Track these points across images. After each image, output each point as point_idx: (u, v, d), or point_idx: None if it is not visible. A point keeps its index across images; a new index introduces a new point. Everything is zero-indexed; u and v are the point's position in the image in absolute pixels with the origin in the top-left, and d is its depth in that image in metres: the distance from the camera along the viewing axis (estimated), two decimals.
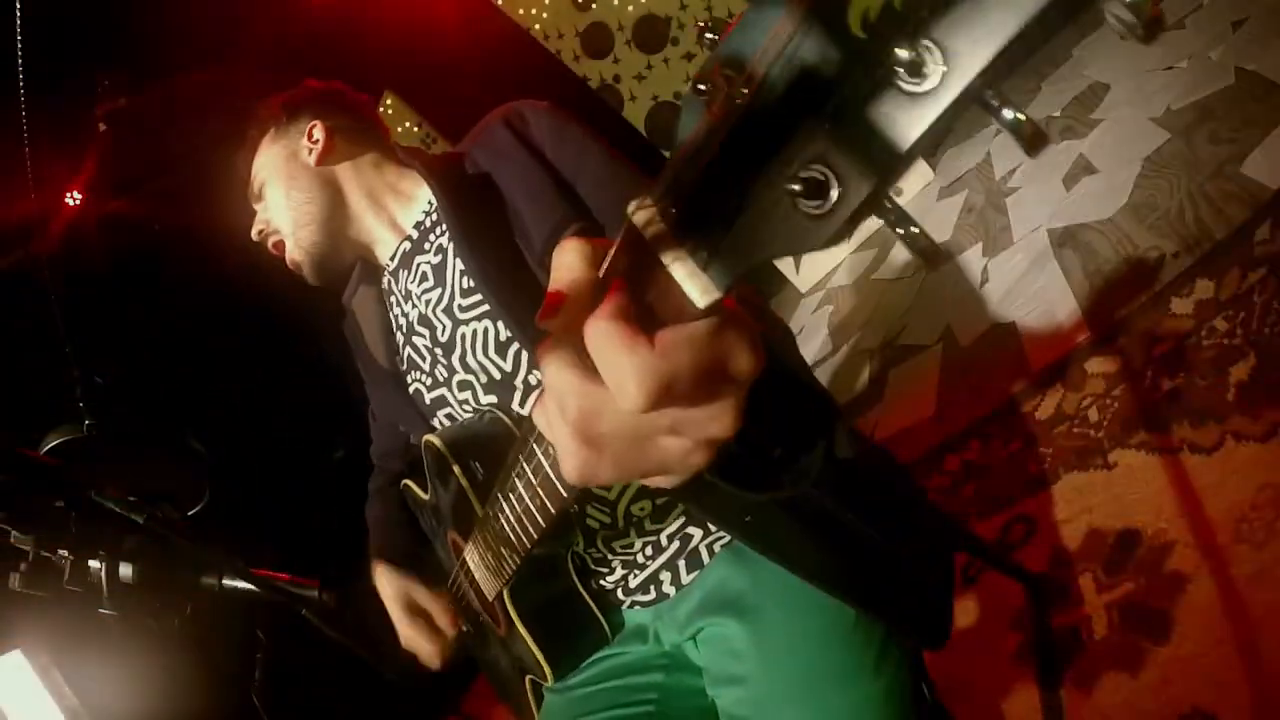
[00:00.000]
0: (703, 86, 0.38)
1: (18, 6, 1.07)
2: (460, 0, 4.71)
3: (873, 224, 4.40)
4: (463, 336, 1.15)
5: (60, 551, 0.92)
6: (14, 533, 0.90)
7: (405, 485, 1.29)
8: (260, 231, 1.33)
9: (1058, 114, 3.43)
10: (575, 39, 4.89)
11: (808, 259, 4.80)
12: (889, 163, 0.32)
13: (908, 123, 0.31)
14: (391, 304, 1.32)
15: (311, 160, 1.28)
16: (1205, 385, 1.78)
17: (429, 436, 1.10)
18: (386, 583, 1.26)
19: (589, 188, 1.10)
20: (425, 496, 1.21)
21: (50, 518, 0.92)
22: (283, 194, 1.28)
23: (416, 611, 1.23)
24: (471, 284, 1.14)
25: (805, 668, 0.96)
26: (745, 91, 0.34)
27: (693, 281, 0.38)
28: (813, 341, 4.00)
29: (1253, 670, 1.33)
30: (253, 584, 1.01)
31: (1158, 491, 1.70)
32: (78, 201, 3.01)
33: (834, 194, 0.33)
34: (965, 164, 4.01)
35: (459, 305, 1.16)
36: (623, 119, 4.90)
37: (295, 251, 1.28)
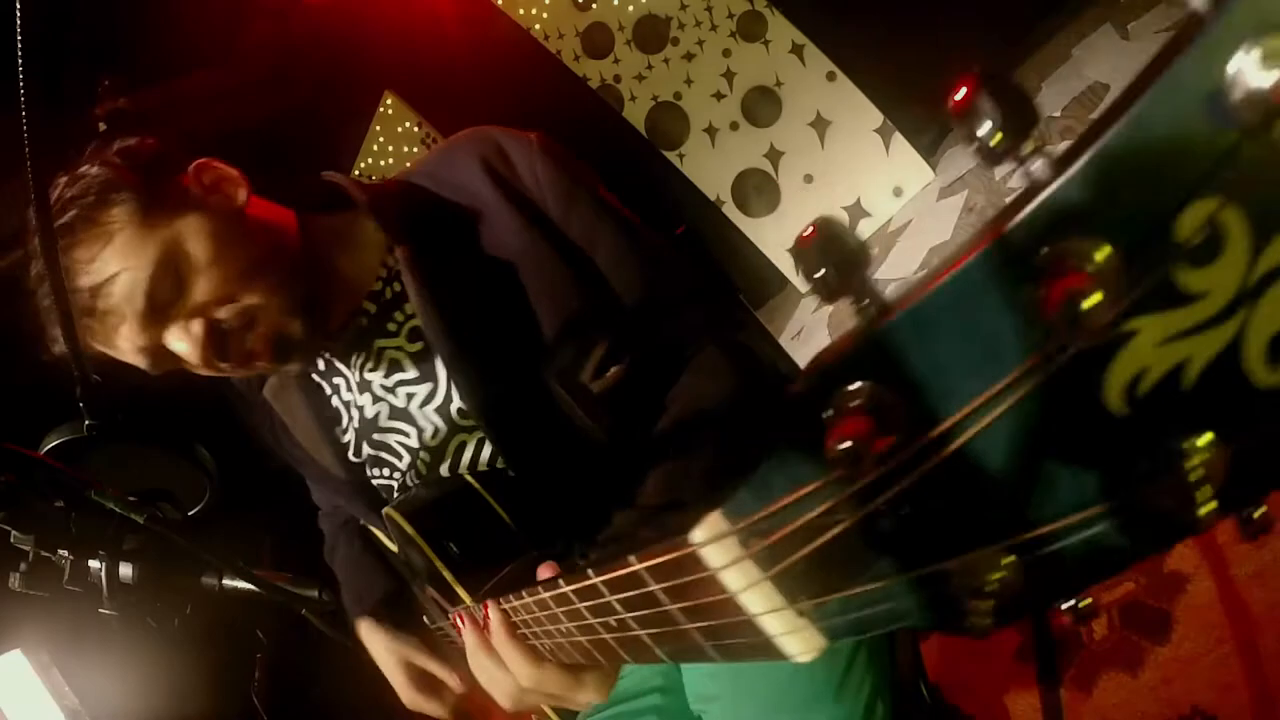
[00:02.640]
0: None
1: (18, 7, 1.07)
2: (460, 0, 4.71)
3: (873, 224, 4.40)
4: (460, 446, 0.99)
5: (60, 551, 0.92)
6: (14, 533, 0.90)
7: (368, 529, 1.16)
8: (217, 342, 0.88)
9: (1058, 114, 3.43)
10: (575, 39, 4.88)
11: None
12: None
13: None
14: (339, 388, 1.06)
15: (239, 201, 0.93)
16: None
17: (389, 510, 0.94)
18: (376, 643, 1.14)
19: (609, 263, 0.94)
20: (393, 548, 1.09)
21: (50, 518, 0.92)
22: (239, 256, 0.88)
23: (418, 674, 1.12)
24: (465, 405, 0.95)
25: (773, 689, 0.95)
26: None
27: (795, 638, 0.35)
28: (813, 341, 4.00)
29: (1253, 670, 1.33)
30: (253, 584, 1.01)
31: None
32: None
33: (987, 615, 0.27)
34: (965, 164, 4.01)
35: (457, 410, 0.96)
36: (623, 119, 4.90)
37: (287, 322, 0.91)
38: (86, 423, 1.01)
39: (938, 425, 0.25)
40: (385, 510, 0.96)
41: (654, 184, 4.72)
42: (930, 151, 4.33)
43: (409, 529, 0.91)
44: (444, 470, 1.01)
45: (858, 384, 0.25)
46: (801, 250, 0.26)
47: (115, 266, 0.84)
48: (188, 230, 0.87)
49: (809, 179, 4.59)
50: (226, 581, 1.02)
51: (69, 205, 0.84)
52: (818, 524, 0.29)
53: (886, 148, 4.37)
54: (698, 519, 0.34)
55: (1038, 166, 0.22)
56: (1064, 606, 0.27)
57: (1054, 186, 0.22)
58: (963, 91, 0.23)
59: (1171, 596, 1.52)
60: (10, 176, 1.14)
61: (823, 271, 0.26)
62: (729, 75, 4.76)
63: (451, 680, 1.09)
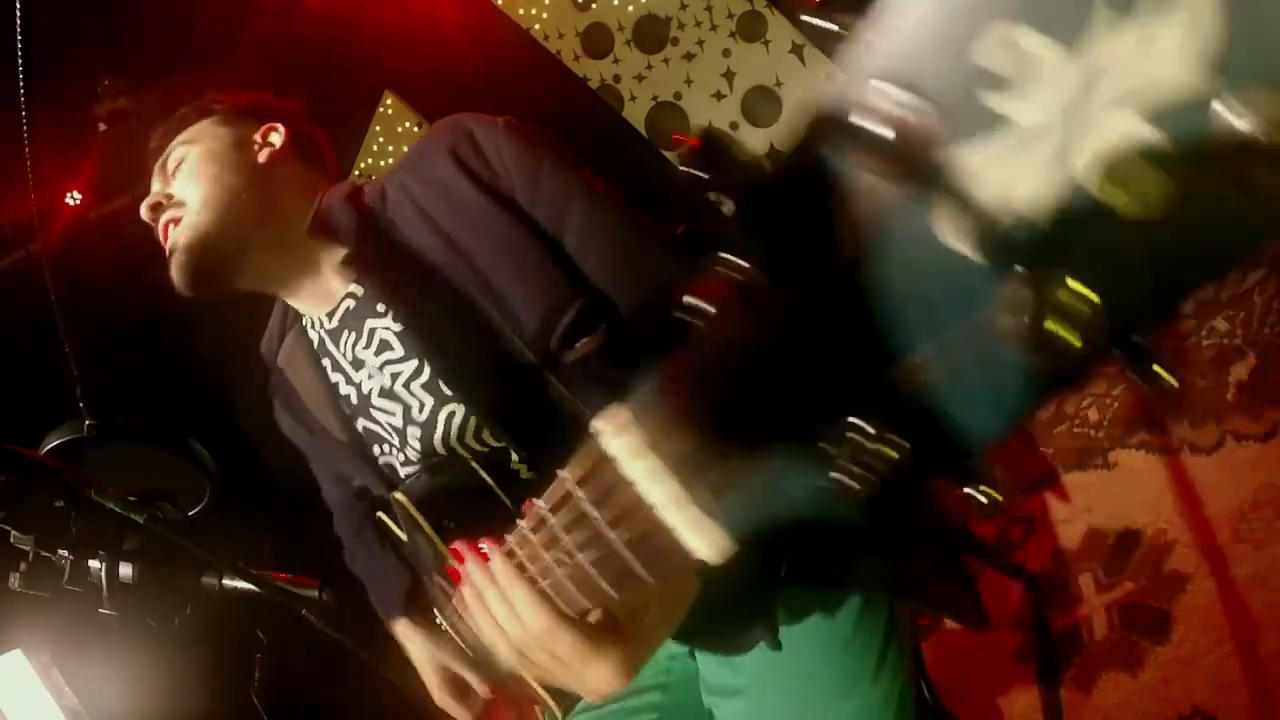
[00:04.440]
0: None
1: (18, 7, 1.07)
2: (460, 0, 4.71)
3: None
4: (449, 416, 1.01)
5: (60, 551, 0.92)
6: (14, 533, 0.90)
7: (380, 519, 1.17)
8: (155, 205, 1.09)
9: None
10: (575, 39, 4.88)
11: None
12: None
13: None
14: (327, 369, 1.13)
15: (262, 158, 1.11)
16: (1205, 385, 1.78)
17: (397, 494, 0.99)
18: (413, 645, 1.17)
19: (578, 241, 0.97)
20: (403, 536, 1.12)
21: (50, 518, 0.92)
22: (212, 172, 1.07)
23: (451, 677, 1.14)
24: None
25: (806, 680, 0.94)
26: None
27: (701, 535, 0.36)
28: None
29: (1253, 670, 1.33)
30: (253, 584, 1.01)
31: (1158, 491, 1.70)
32: (78, 201, 3.02)
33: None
34: None
35: (445, 383, 1.01)
36: (623, 119, 4.90)
37: (184, 232, 1.05)
38: (86, 423, 1.01)
39: (789, 280, 0.27)
40: (394, 495, 0.98)
41: (654, 184, 4.72)
42: None
43: (415, 514, 0.94)
44: (438, 439, 1.02)
45: (717, 258, 0.28)
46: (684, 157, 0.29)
47: (176, 133, 1.14)
48: (212, 142, 1.11)
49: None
50: (226, 581, 1.02)
51: (201, 99, 1.17)
52: (694, 403, 0.32)
53: None
54: (606, 411, 0.37)
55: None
56: (964, 491, 0.28)
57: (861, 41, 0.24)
58: None
59: (1171, 596, 1.52)
60: (13, 174, 1.14)
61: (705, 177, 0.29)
62: (729, 75, 4.76)
63: (480, 687, 1.11)
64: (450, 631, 1.17)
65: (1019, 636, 1.75)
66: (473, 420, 1.00)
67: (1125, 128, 0.21)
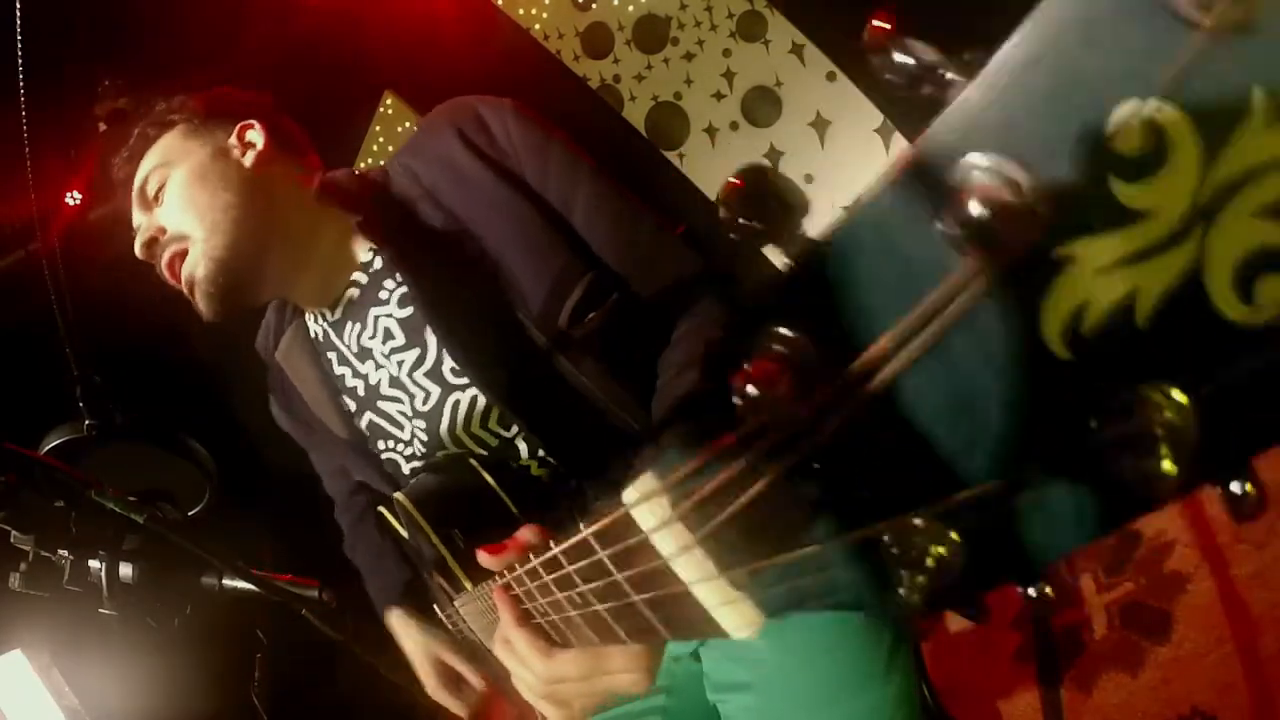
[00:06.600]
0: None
1: (18, 6, 1.07)
2: (460, 0, 4.71)
3: None
4: (454, 405, 1.00)
5: (60, 551, 0.92)
6: (14, 533, 0.90)
7: (380, 513, 1.18)
8: (150, 242, 1.03)
9: None
10: (575, 39, 4.89)
11: None
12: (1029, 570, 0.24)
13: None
14: (332, 362, 1.12)
15: (248, 162, 1.05)
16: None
17: (399, 496, 0.99)
18: (406, 637, 1.17)
19: (584, 220, 0.97)
20: (404, 533, 1.12)
21: (50, 518, 0.92)
22: (205, 193, 1.02)
23: (445, 670, 1.14)
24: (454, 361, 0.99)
25: (816, 676, 0.94)
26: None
27: (732, 610, 0.33)
28: None
29: (1253, 670, 1.33)
30: (253, 584, 1.01)
31: None
32: (78, 201, 3.02)
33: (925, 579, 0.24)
34: None
35: (450, 369, 0.99)
36: (623, 119, 4.90)
37: (201, 264, 1.00)
38: (86, 423, 1.01)
39: (853, 366, 0.23)
40: (395, 496, 0.98)
41: (654, 184, 4.72)
42: None
43: (416, 515, 0.94)
44: (444, 430, 1.01)
45: (770, 328, 0.24)
46: (728, 199, 0.25)
47: (141, 155, 1.07)
48: (191, 160, 1.05)
49: (809, 179, 4.59)
50: (226, 581, 1.02)
51: (153, 112, 1.10)
52: (738, 481, 0.28)
53: (886, 148, 4.37)
54: (636, 478, 0.34)
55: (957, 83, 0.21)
56: (1024, 591, 0.25)
57: (962, 95, 0.20)
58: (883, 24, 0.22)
59: (1171, 596, 1.52)
60: (14, 172, 1.14)
61: (747, 221, 0.25)
62: (729, 75, 4.76)
63: (475, 680, 1.11)
64: (450, 629, 1.17)
65: (1019, 636, 1.76)
66: (479, 406, 0.99)
67: (1267, 239, 0.18)
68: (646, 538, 0.35)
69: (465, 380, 0.98)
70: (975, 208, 0.19)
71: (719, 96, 4.80)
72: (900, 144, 4.36)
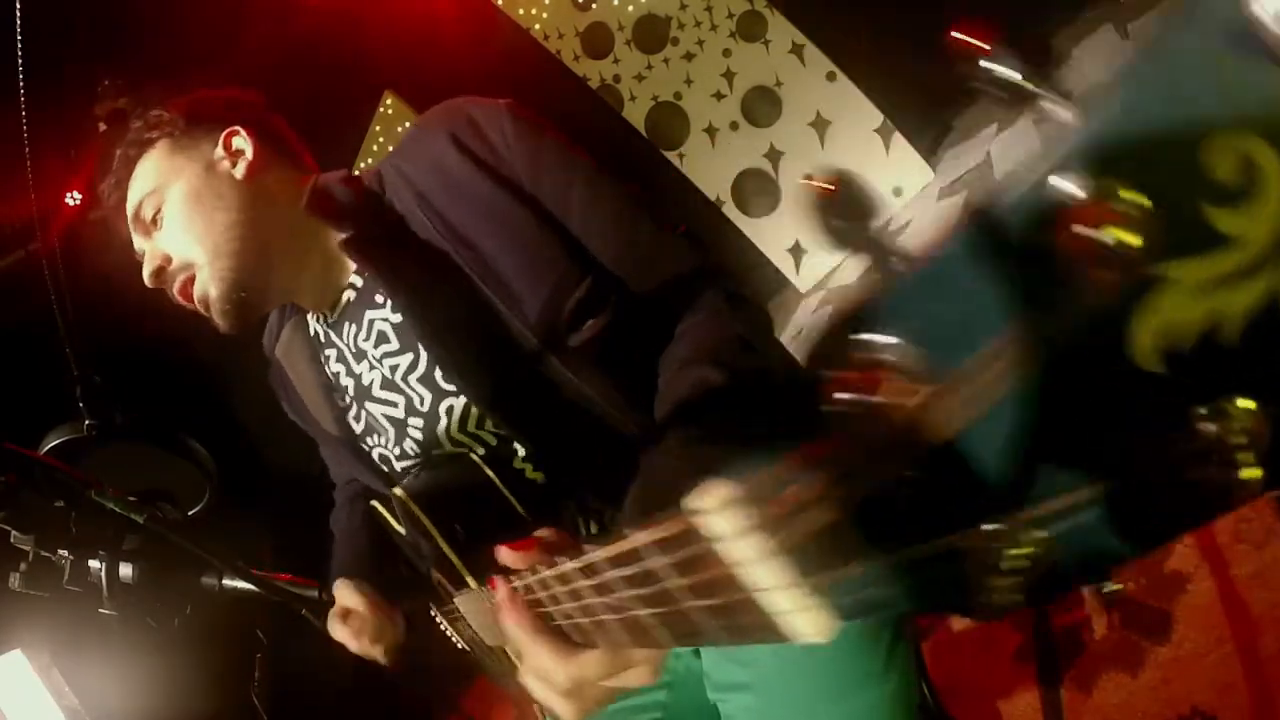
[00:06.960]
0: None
1: (18, 7, 1.07)
2: (460, 0, 4.71)
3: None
4: (448, 409, 0.99)
5: (60, 551, 0.92)
6: (14, 533, 0.90)
7: (374, 507, 1.16)
8: (158, 272, 1.03)
9: None
10: (575, 39, 4.89)
11: (807, 259, 4.80)
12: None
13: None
14: (329, 359, 1.12)
15: (239, 173, 1.04)
16: None
17: (397, 491, 0.97)
18: (342, 597, 1.09)
19: (581, 223, 0.95)
20: (400, 530, 1.10)
21: (50, 518, 0.92)
22: (202, 215, 1.01)
23: (344, 613, 1.07)
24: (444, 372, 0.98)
25: (815, 676, 0.93)
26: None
27: (805, 616, 0.33)
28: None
29: (1253, 670, 1.33)
30: (253, 584, 1.01)
31: None
32: (78, 201, 3.02)
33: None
34: (965, 164, 4.01)
35: (442, 376, 0.98)
36: (623, 119, 4.90)
37: (212, 286, 1.01)
38: (86, 423, 1.01)
39: (949, 380, 0.23)
40: (393, 491, 0.97)
41: (654, 184, 4.72)
42: (930, 151, 4.33)
43: (415, 510, 0.92)
44: (440, 431, 1.00)
45: (865, 338, 0.24)
46: (822, 203, 0.26)
47: (128, 179, 1.06)
48: (182, 180, 1.03)
49: (809, 179, 4.59)
50: (226, 581, 1.02)
51: (130, 131, 1.09)
52: (827, 491, 0.28)
53: (886, 148, 4.36)
54: (702, 487, 0.33)
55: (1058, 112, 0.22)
56: (1099, 589, 0.26)
57: (1073, 124, 0.21)
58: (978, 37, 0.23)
59: (1171, 596, 1.52)
60: (14, 172, 1.14)
61: (839, 223, 0.25)
62: (729, 75, 4.76)
63: (386, 662, 1.07)
64: (449, 629, 1.17)
65: (1019, 636, 1.76)
66: (474, 411, 0.98)
67: None
68: (716, 545, 0.34)
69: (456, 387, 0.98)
70: (1091, 231, 0.20)
71: (719, 96, 4.80)
72: (900, 144, 4.36)
